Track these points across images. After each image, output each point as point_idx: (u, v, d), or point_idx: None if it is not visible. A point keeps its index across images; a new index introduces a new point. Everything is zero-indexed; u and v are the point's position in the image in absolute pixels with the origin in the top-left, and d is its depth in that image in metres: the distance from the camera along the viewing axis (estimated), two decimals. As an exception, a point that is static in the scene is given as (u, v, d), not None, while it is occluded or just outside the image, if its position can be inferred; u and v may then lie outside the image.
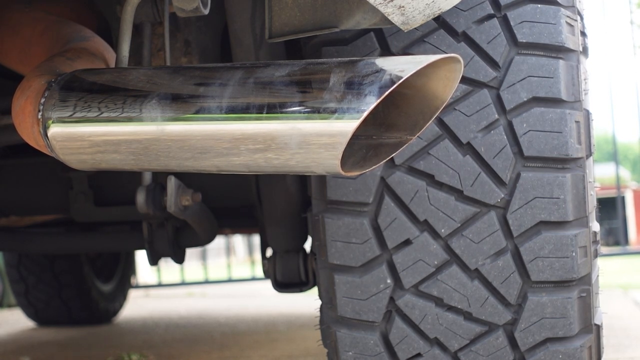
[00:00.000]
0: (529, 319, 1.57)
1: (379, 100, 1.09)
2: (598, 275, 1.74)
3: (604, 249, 3.66)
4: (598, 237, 1.71)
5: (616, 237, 12.15)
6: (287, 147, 1.14)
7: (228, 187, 2.54)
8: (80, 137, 1.28)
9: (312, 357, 3.09)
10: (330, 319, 1.66)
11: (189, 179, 2.18)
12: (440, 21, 1.59)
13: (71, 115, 1.28)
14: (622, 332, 3.39)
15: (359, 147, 1.23)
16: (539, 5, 1.58)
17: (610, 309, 3.90)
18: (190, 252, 7.02)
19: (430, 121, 1.24)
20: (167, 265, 9.70)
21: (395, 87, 1.10)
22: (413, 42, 1.59)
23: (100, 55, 1.59)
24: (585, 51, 1.70)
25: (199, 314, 5.29)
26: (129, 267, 4.96)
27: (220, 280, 7.11)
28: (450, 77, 1.20)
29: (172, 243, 2.56)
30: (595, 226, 1.70)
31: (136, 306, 5.93)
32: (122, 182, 2.56)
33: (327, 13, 1.39)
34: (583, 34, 1.70)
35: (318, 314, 1.73)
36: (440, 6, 1.36)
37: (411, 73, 1.11)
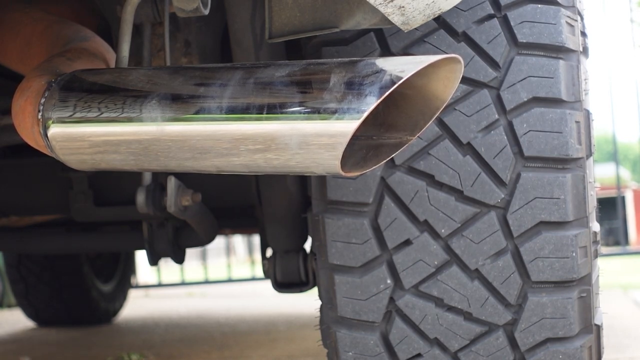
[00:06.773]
0: (529, 319, 1.57)
1: (379, 101, 1.08)
2: (598, 276, 1.74)
3: (604, 249, 3.66)
4: (598, 237, 1.71)
5: (616, 237, 12.16)
6: (287, 148, 1.14)
7: (228, 187, 2.54)
8: (80, 137, 1.28)
9: (312, 357, 3.09)
10: (330, 319, 1.66)
11: (189, 179, 2.17)
12: (441, 21, 1.59)
13: (71, 115, 1.28)
14: (622, 332, 3.39)
15: (359, 148, 1.23)
16: (539, 6, 1.58)
17: (610, 309, 3.89)
18: (190, 252, 7.01)
19: (431, 121, 1.23)
20: (167, 265, 9.69)
21: (396, 88, 1.09)
22: (413, 42, 1.59)
23: (101, 55, 1.59)
24: (585, 51, 1.70)
25: (199, 314, 5.28)
26: (129, 267, 4.96)
27: (220, 280, 7.10)
28: (450, 78, 1.19)
29: (172, 243, 2.56)
30: (596, 226, 1.70)
31: (136, 306, 5.93)
32: (122, 182, 2.56)
33: (327, 13, 1.39)
34: (583, 34, 1.70)
35: (318, 314, 1.73)
36: (440, 6, 1.36)
37: (411, 73, 1.11)
